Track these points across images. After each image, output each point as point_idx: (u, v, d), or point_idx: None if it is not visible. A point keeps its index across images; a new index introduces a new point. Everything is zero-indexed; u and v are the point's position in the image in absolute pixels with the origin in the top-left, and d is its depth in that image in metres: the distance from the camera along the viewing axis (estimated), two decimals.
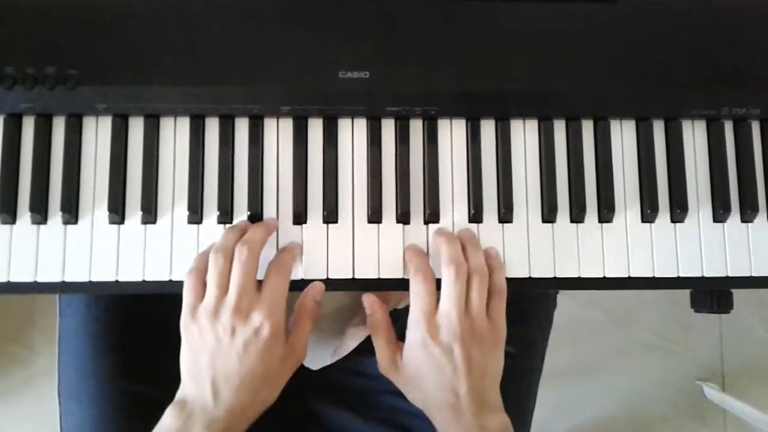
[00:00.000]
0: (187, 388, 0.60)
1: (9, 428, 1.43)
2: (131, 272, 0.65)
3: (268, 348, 0.60)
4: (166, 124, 0.67)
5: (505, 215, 0.67)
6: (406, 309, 0.65)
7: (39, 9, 0.65)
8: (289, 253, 0.65)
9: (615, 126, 0.69)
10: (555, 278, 0.67)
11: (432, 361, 0.61)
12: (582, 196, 0.68)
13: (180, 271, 0.64)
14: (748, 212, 0.68)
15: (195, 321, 0.60)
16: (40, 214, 0.65)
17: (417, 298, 0.62)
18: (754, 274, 0.68)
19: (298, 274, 0.66)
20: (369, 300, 0.67)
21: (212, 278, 0.60)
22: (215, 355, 0.59)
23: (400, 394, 0.77)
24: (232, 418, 0.59)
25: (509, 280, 0.66)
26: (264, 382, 0.61)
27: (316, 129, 0.68)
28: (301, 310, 0.64)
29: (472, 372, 0.61)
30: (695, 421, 1.51)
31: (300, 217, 0.66)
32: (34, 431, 1.41)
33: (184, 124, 0.67)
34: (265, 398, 0.62)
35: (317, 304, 0.65)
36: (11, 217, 0.65)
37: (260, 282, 0.62)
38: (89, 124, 0.67)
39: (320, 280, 0.66)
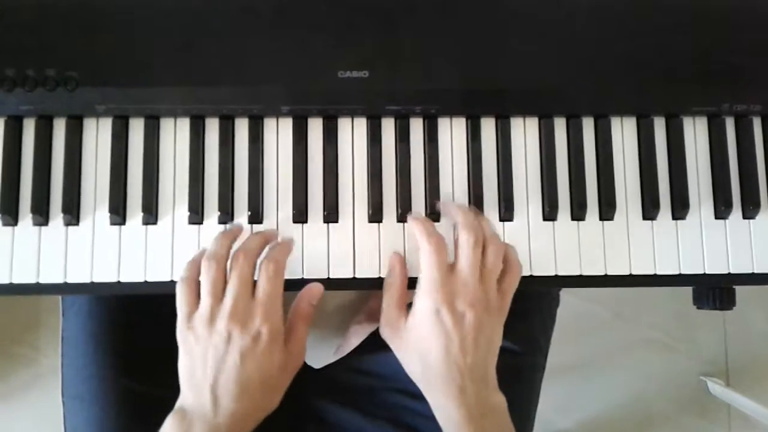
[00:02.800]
0: (186, 397, 0.60)
1: (15, 427, 1.44)
2: (133, 273, 0.65)
3: (266, 354, 0.59)
4: (167, 125, 0.67)
5: (506, 213, 0.67)
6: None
7: (39, 11, 0.65)
8: (281, 251, 0.64)
9: (616, 123, 0.69)
10: (556, 276, 0.67)
11: (441, 330, 0.60)
12: (583, 194, 0.67)
13: (181, 271, 0.64)
14: (750, 209, 0.68)
15: (191, 330, 0.59)
16: (41, 215, 0.65)
17: (430, 264, 0.61)
18: (756, 271, 0.68)
19: (297, 273, 0.66)
20: (392, 259, 0.66)
21: (206, 286, 0.59)
22: (213, 364, 0.59)
23: (404, 392, 0.77)
24: (233, 426, 0.59)
25: None
26: (263, 389, 0.61)
27: (315, 129, 0.68)
28: (297, 314, 0.64)
29: (478, 344, 0.60)
30: (699, 417, 1.51)
31: (300, 216, 0.66)
32: (39, 430, 1.42)
33: (184, 124, 0.67)
34: (266, 405, 0.62)
35: (313, 308, 0.65)
36: (13, 219, 0.65)
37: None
38: (90, 125, 0.67)
39: (321, 279, 0.66)
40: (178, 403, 0.60)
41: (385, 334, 0.65)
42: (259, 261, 0.62)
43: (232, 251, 0.62)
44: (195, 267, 0.61)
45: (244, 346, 0.58)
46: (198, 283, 0.61)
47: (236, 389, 0.59)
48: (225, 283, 0.60)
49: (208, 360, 0.59)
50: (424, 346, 0.61)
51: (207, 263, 0.60)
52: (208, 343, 0.59)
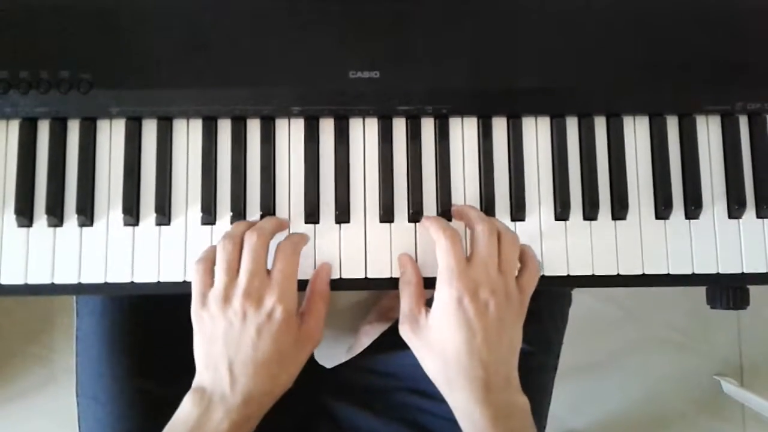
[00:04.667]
0: (203, 377, 0.60)
1: (30, 426, 1.45)
2: (146, 273, 0.66)
3: (281, 331, 0.59)
4: (179, 126, 0.68)
5: (518, 213, 0.67)
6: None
7: (52, 13, 0.66)
8: (298, 236, 0.64)
9: (628, 122, 0.69)
10: (569, 276, 0.67)
11: (463, 321, 0.58)
12: (595, 194, 0.67)
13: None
14: (764, 208, 0.67)
15: (205, 308, 0.60)
16: (56, 216, 0.65)
17: (447, 255, 0.59)
18: None
19: (309, 273, 0.66)
20: (402, 259, 0.66)
21: (221, 264, 0.59)
22: (229, 342, 0.59)
23: (417, 392, 0.77)
24: (252, 403, 0.59)
25: None
26: (280, 366, 0.61)
27: (327, 129, 0.68)
28: (313, 292, 0.64)
29: (502, 340, 0.59)
30: (713, 416, 1.50)
31: (312, 216, 0.67)
32: (54, 429, 1.43)
33: (196, 125, 0.68)
34: (283, 383, 0.62)
35: (328, 285, 0.65)
36: (28, 220, 0.66)
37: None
38: (103, 127, 0.68)
39: (333, 279, 0.66)
40: (196, 382, 0.61)
41: (405, 333, 0.63)
42: (272, 247, 0.62)
43: None
44: (212, 250, 0.61)
45: (259, 324, 0.58)
46: (214, 265, 0.61)
47: (253, 367, 0.59)
48: (240, 263, 0.60)
49: (223, 338, 0.59)
50: (446, 339, 0.59)
51: (223, 242, 0.60)
52: (223, 321, 0.59)
